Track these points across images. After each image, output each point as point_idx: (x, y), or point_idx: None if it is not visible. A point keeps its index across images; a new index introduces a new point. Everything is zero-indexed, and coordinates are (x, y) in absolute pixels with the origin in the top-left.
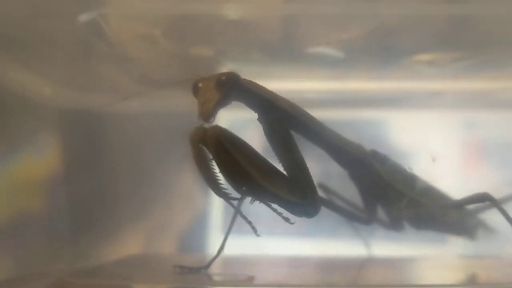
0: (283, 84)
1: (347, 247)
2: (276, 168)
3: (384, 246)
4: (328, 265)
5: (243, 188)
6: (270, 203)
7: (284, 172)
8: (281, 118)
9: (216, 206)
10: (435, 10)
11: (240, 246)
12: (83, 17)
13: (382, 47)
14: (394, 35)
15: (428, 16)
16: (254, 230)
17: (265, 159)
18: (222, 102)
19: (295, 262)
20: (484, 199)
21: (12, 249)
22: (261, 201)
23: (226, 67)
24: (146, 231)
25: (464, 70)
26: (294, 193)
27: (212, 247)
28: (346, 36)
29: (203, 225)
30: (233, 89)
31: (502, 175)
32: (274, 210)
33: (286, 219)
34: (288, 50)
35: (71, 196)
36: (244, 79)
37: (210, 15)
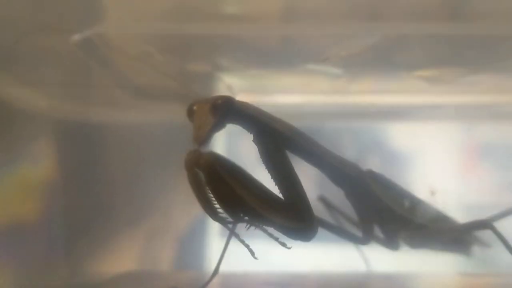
0: (282, 98)
1: (344, 264)
2: (272, 193)
3: (381, 263)
4: (325, 283)
5: (238, 214)
6: (266, 228)
7: (280, 196)
8: (277, 139)
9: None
10: (437, 30)
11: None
12: (77, 36)
13: (382, 63)
14: (395, 51)
15: (429, 35)
16: (252, 253)
17: (261, 184)
18: (218, 126)
19: (293, 280)
20: (484, 227)
21: (5, 263)
22: (256, 226)
23: (223, 82)
24: (142, 245)
25: (466, 85)
26: (291, 218)
27: (210, 263)
28: (345, 52)
29: (202, 238)
30: (228, 112)
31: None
32: (270, 235)
33: (283, 244)
34: (287, 64)
35: (67, 208)
36: (239, 101)
37: (207, 31)
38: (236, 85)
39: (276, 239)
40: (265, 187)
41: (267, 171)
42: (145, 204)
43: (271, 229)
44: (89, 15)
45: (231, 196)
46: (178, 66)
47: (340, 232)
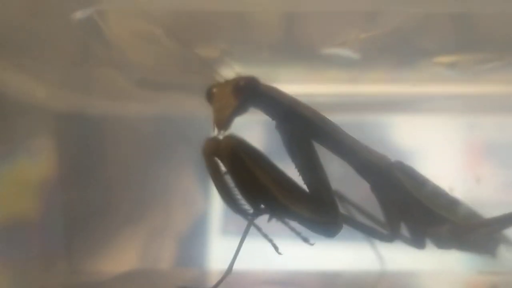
0: (294, 86)
1: (360, 261)
2: (296, 183)
3: (400, 260)
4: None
5: (260, 204)
6: (289, 221)
7: (305, 187)
8: (302, 126)
9: (217, 213)
10: (461, 8)
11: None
12: (78, 15)
13: (402, 48)
14: (415, 35)
15: (453, 14)
16: (276, 248)
17: (284, 172)
18: (239, 109)
19: (295, 278)
20: None
21: (3, 261)
22: (279, 219)
23: (232, 68)
24: (144, 242)
25: (486, 73)
26: (315, 211)
27: (212, 261)
28: (365, 35)
29: (205, 235)
30: (252, 95)
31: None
32: (292, 229)
33: (305, 239)
34: (300, 50)
35: (66, 205)
36: (264, 84)
37: (215, 12)
38: (245, 73)
39: (299, 233)
40: (289, 176)
41: (291, 160)
42: (147, 201)
43: (293, 223)
44: None
45: (253, 185)
46: (184, 51)
47: (365, 229)
